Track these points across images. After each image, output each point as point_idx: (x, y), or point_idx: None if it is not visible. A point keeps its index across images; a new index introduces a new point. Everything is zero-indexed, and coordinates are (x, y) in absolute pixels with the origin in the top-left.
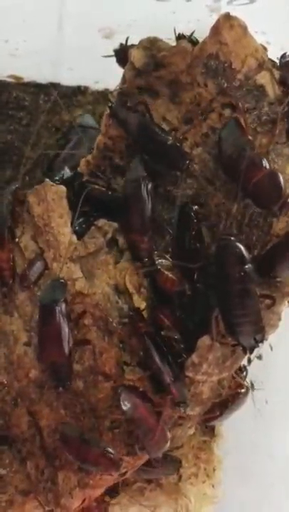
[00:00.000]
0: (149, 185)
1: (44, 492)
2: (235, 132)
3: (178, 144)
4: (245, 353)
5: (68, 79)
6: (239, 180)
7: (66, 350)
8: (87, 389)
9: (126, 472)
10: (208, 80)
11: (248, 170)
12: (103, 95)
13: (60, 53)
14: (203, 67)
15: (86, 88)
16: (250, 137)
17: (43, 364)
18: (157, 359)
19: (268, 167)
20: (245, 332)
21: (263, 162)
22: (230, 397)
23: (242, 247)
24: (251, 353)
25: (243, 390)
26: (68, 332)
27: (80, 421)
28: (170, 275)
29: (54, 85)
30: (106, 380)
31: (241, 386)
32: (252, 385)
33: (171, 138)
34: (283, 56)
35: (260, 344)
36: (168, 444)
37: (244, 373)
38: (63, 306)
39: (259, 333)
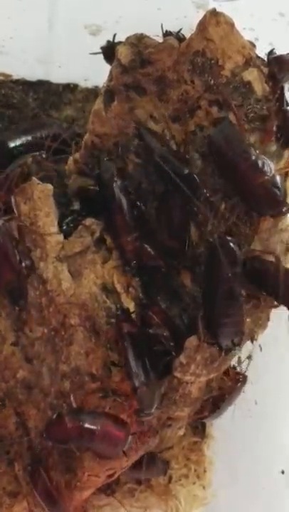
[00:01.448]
0: (120, 183)
1: (32, 494)
2: (232, 133)
3: (194, 176)
4: (220, 354)
5: (58, 76)
6: (239, 184)
7: (16, 266)
8: (74, 390)
9: (114, 473)
10: (195, 77)
11: (249, 174)
12: (93, 93)
13: (48, 50)
14: (190, 64)
15: (76, 86)
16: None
17: (1, 288)
18: (131, 361)
19: (270, 170)
20: (225, 333)
21: (265, 165)
22: (226, 389)
23: (237, 249)
24: (226, 354)
25: (241, 379)
26: (14, 250)
27: None
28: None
29: (43, 83)
30: (93, 381)
31: (240, 375)
32: None
33: (187, 169)
34: (271, 52)
35: (236, 348)
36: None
37: None
38: (3, 228)
39: (238, 336)
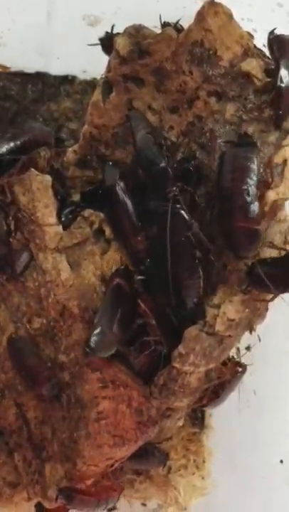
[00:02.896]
0: (123, 186)
1: (32, 484)
2: (243, 166)
3: (168, 170)
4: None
5: (56, 68)
6: (224, 216)
7: (3, 236)
8: (73, 380)
9: (114, 464)
10: (193, 68)
11: (236, 213)
12: (91, 85)
13: (47, 42)
14: (188, 55)
15: (74, 78)
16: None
17: None
18: (102, 306)
19: (256, 220)
20: (187, 292)
21: (254, 213)
22: (227, 378)
23: (185, 214)
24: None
25: (240, 369)
26: (2, 221)
27: (67, 412)
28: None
29: (41, 75)
30: (92, 371)
31: (239, 365)
32: None
33: (164, 161)
34: (272, 32)
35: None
36: None
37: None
38: None
39: (198, 296)
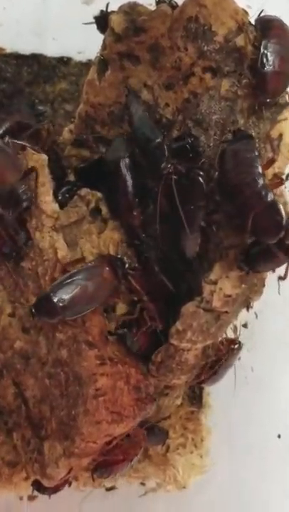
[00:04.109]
0: (128, 162)
1: (30, 462)
2: (247, 158)
3: (164, 146)
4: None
5: (51, 49)
6: (242, 208)
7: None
8: (71, 357)
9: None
10: (189, 44)
11: (253, 200)
12: (87, 66)
13: (42, 22)
14: (183, 31)
15: (69, 59)
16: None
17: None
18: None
19: (269, 199)
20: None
21: (267, 194)
22: (223, 355)
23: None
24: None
25: (236, 346)
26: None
27: (65, 389)
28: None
29: (37, 56)
30: (90, 348)
31: (234, 342)
32: None
33: (160, 137)
34: (260, 14)
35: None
36: None
37: None
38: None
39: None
